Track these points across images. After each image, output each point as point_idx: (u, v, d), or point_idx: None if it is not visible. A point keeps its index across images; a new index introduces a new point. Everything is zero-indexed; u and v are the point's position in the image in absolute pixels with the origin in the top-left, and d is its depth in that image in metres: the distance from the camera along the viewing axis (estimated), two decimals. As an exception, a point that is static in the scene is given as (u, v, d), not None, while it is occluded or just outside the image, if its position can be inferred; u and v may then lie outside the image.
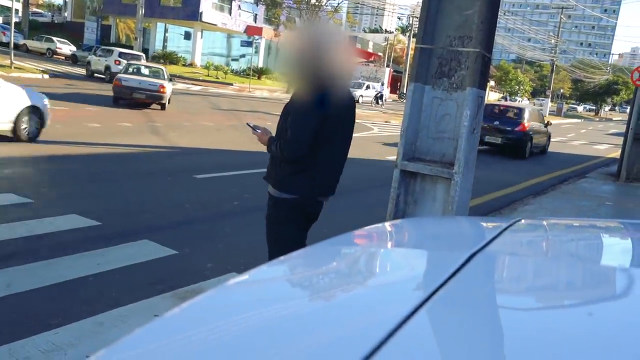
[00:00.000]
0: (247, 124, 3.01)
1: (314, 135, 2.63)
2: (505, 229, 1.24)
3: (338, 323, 0.76)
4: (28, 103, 8.07)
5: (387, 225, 1.51)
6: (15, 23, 26.47)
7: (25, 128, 8.08)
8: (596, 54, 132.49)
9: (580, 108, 69.21)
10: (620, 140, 13.68)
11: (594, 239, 1.45)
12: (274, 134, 2.87)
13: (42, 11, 62.38)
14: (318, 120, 2.62)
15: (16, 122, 7.90)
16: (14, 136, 7.88)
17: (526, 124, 14.86)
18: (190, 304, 0.82)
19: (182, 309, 0.80)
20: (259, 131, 2.87)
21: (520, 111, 15.51)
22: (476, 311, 0.78)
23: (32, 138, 8.19)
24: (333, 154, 2.79)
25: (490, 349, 0.67)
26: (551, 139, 17.96)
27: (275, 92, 32.81)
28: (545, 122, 17.02)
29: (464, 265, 0.91)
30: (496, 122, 14.62)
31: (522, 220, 1.38)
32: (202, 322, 0.78)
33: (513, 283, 0.98)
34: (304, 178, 2.72)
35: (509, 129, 14.56)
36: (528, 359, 0.63)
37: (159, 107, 15.25)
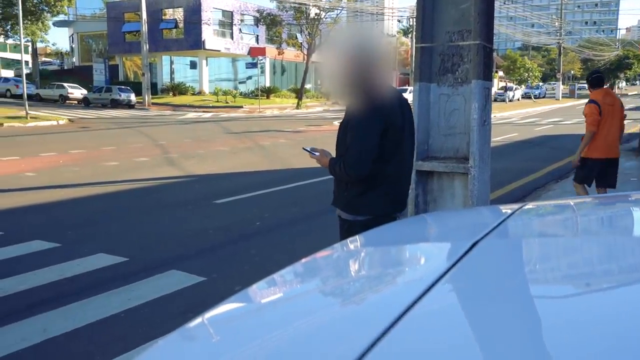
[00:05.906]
0: (303, 148, 2.76)
1: (378, 150, 2.43)
2: (510, 215, 1.23)
3: (342, 316, 0.81)
4: None
5: (397, 224, 1.51)
6: (27, 74, 27.18)
7: None
8: (603, 31, 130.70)
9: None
10: (638, 115, 13.45)
11: (603, 215, 1.43)
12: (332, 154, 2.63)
13: (51, 59, 64.01)
14: (379, 132, 2.41)
15: None
16: None
17: None
18: (201, 319, 0.84)
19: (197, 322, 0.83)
20: (316, 154, 2.65)
21: None
22: (478, 298, 0.78)
23: None
24: (402, 164, 2.56)
25: (487, 329, 0.67)
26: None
27: (285, 109, 33.00)
28: None
29: (466, 254, 0.90)
30: None
31: (529, 204, 1.36)
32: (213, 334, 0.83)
33: (514, 268, 0.97)
34: (377, 195, 2.51)
35: None
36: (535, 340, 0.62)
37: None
